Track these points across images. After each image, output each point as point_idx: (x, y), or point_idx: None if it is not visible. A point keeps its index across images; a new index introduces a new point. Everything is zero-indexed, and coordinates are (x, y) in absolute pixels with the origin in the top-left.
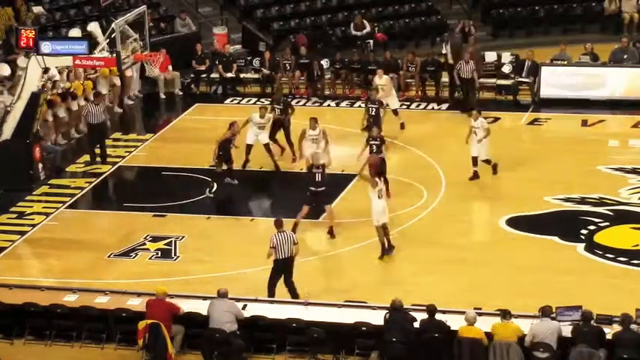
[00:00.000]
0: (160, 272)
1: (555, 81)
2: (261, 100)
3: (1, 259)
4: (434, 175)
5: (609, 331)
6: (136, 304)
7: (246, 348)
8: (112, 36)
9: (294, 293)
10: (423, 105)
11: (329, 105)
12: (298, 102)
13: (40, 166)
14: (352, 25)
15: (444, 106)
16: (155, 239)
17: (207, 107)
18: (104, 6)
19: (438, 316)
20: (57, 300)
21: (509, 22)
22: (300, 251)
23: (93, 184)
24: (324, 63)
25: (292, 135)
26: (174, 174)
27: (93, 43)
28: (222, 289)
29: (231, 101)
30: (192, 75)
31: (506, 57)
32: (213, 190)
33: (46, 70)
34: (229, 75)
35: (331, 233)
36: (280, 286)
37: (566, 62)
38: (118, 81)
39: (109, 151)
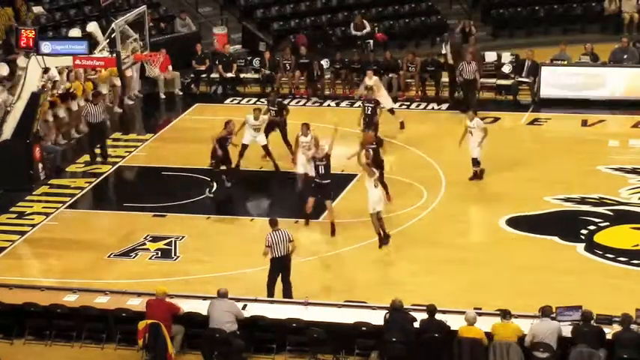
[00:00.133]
0: (160, 272)
1: (555, 81)
2: (261, 100)
3: (1, 259)
4: (434, 175)
5: (609, 331)
6: (136, 304)
7: (246, 348)
8: (112, 36)
9: (288, 293)
10: (423, 105)
11: (329, 105)
12: (298, 102)
13: (40, 166)
14: (352, 25)
15: (444, 106)
16: (155, 239)
17: (207, 107)
18: (104, 6)
19: (438, 316)
20: (57, 300)
21: (509, 22)
22: (300, 251)
23: (93, 184)
24: (324, 63)
25: (289, 135)
26: (174, 174)
27: (93, 43)
28: (222, 289)
29: (231, 101)
30: (192, 75)
31: (506, 57)
32: (213, 190)
33: (46, 70)
34: (229, 75)
35: (332, 230)
36: (280, 286)
37: (566, 62)
38: (118, 81)
39: (109, 151)
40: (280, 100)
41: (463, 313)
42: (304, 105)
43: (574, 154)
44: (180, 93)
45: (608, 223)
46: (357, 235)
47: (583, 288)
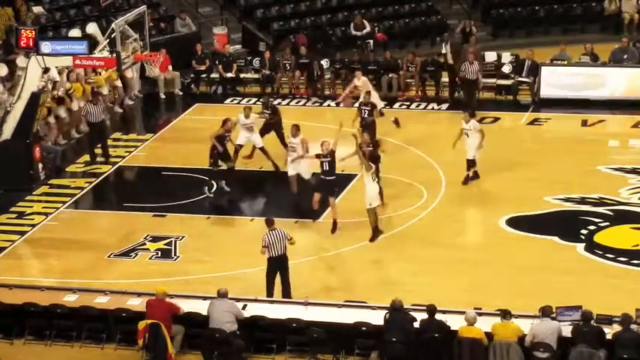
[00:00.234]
0: (160, 272)
1: (555, 81)
2: (261, 100)
3: (1, 259)
4: (434, 175)
5: (609, 331)
6: (136, 304)
7: (246, 348)
8: (112, 36)
9: (287, 293)
10: (423, 105)
11: (329, 105)
12: (298, 102)
13: (40, 166)
14: (352, 25)
15: (444, 106)
16: (155, 239)
17: (207, 107)
18: (104, 6)
19: (438, 316)
20: (57, 300)
21: (509, 22)
22: (300, 251)
23: (93, 184)
24: (324, 63)
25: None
26: (174, 174)
27: (93, 43)
28: (222, 289)
29: (231, 101)
30: (192, 75)
31: (506, 57)
32: (213, 190)
33: (46, 70)
34: (229, 75)
35: (333, 227)
36: (280, 285)
37: (566, 62)
38: (119, 82)
39: (109, 151)
40: (272, 101)
41: (463, 313)
42: (304, 105)
43: (574, 154)
44: (180, 93)
45: (608, 223)
46: (357, 235)
47: (583, 288)
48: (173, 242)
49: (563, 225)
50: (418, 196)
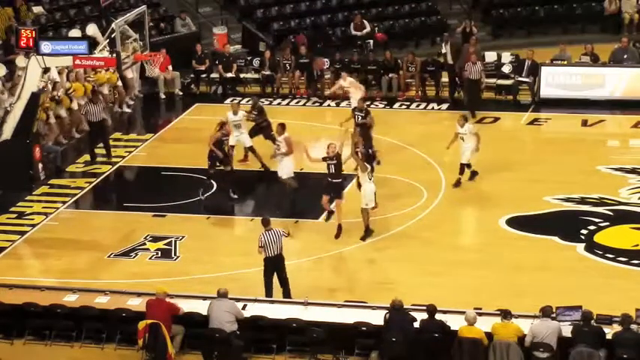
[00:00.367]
0: (160, 272)
1: (555, 81)
2: (261, 100)
3: (1, 259)
4: (434, 175)
5: (609, 331)
6: (136, 304)
7: (246, 348)
8: (112, 36)
9: (287, 292)
10: (423, 105)
11: (329, 105)
12: (298, 102)
13: (40, 166)
14: (352, 25)
15: (444, 105)
16: (155, 239)
17: (207, 107)
18: (104, 6)
19: (438, 316)
20: (57, 300)
21: (509, 22)
22: (300, 251)
23: (93, 184)
24: (324, 63)
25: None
26: (174, 174)
27: (93, 44)
28: (222, 289)
29: (231, 101)
30: (192, 75)
31: (506, 57)
32: (208, 193)
33: (46, 70)
34: (229, 75)
35: (338, 232)
36: (279, 286)
37: (566, 62)
38: (119, 81)
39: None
40: (260, 103)
41: (463, 313)
42: (304, 105)
43: (574, 154)
44: (180, 93)
45: (608, 223)
46: (357, 236)
47: (583, 288)
48: (173, 242)
49: (563, 225)
50: (418, 196)
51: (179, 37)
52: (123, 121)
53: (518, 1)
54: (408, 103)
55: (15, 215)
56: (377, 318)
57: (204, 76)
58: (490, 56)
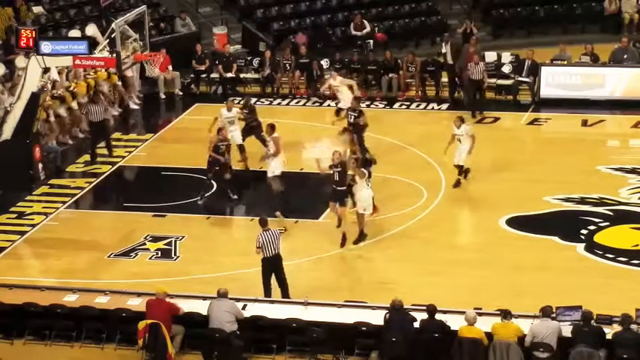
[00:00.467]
0: (160, 272)
1: (555, 81)
2: (261, 100)
3: (1, 259)
4: (434, 175)
5: (609, 331)
6: (136, 304)
7: (246, 348)
8: (112, 36)
9: (285, 292)
10: (423, 105)
11: (329, 105)
12: (298, 102)
13: (40, 166)
14: (352, 25)
15: (444, 105)
16: (155, 239)
17: (207, 107)
18: (104, 6)
19: (438, 316)
20: (57, 300)
21: (509, 22)
22: (300, 251)
23: (93, 184)
24: (324, 63)
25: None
26: (174, 174)
27: (93, 44)
28: (222, 289)
29: (231, 101)
30: (192, 75)
31: (506, 57)
32: (206, 195)
33: (46, 70)
34: (229, 75)
35: (342, 242)
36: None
37: (566, 62)
38: (119, 81)
39: None
40: (251, 103)
41: (463, 313)
42: (304, 105)
43: (574, 154)
44: (180, 93)
45: (608, 223)
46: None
47: (583, 288)
48: (173, 242)
49: (563, 225)
50: (418, 196)
51: (179, 37)
52: (128, 116)
53: (518, 1)
54: (408, 103)
55: (15, 215)
56: (377, 318)
57: (204, 76)
58: (490, 56)
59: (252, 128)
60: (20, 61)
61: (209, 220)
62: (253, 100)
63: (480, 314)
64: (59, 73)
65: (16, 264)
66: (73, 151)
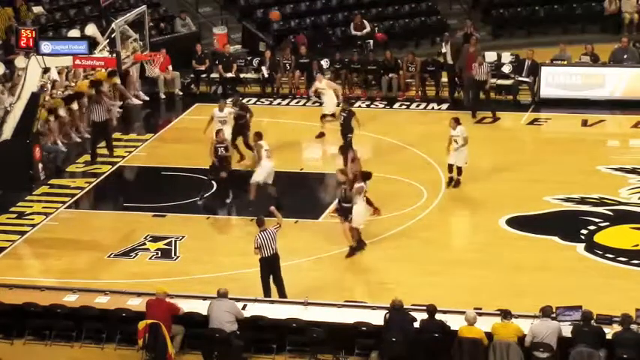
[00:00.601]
0: (160, 272)
1: (555, 81)
2: (261, 100)
3: (1, 259)
4: (434, 175)
5: (609, 331)
6: (136, 304)
7: (246, 348)
8: (112, 36)
9: (282, 292)
10: (423, 105)
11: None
12: (298, 102)
13: (40, 166)
14: (352, 25)
15: (444, 106)
16: (155, 239)
17: (207, 107)
18: (104, 6)
19: (438, 316)
20: (57, 300)
21: (509, 22)
22: (300, 251)
23: (93, 184)
24: (324, 63)
25: (290, 136)
26: (174, 174)
27: (93, 44)
28: (222, 289)
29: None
30: (192, 75)
31: (506, 57)
32: (206, 195)
33: (46, 70)
34: (229, 75)
35: (349, 253)
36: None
37: (566, 62)
38: (118, 80)
39: None
40: (242, 101)
41: (463, 313)
42: (304, 105)
43: (574, 154)
44: (181, 93)
45: (608, 223)
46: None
47: (583, 288)
48: (173, 242)
49: (563, 225)
50: (418, 196)
51: (179, 37)
52: (128, 116)
53: (518, 1)
54: (408, 103)
55: (15, 215)
56: (377, 318)
57: (204, 76)
58: (490, 56)
59: (241, 127)
60: (20, 61)
61: (209, 220)
62: (253, 100)
63: (480, 314)
64: (59, 73)
65: (16, 264)
66: (73, 151)
